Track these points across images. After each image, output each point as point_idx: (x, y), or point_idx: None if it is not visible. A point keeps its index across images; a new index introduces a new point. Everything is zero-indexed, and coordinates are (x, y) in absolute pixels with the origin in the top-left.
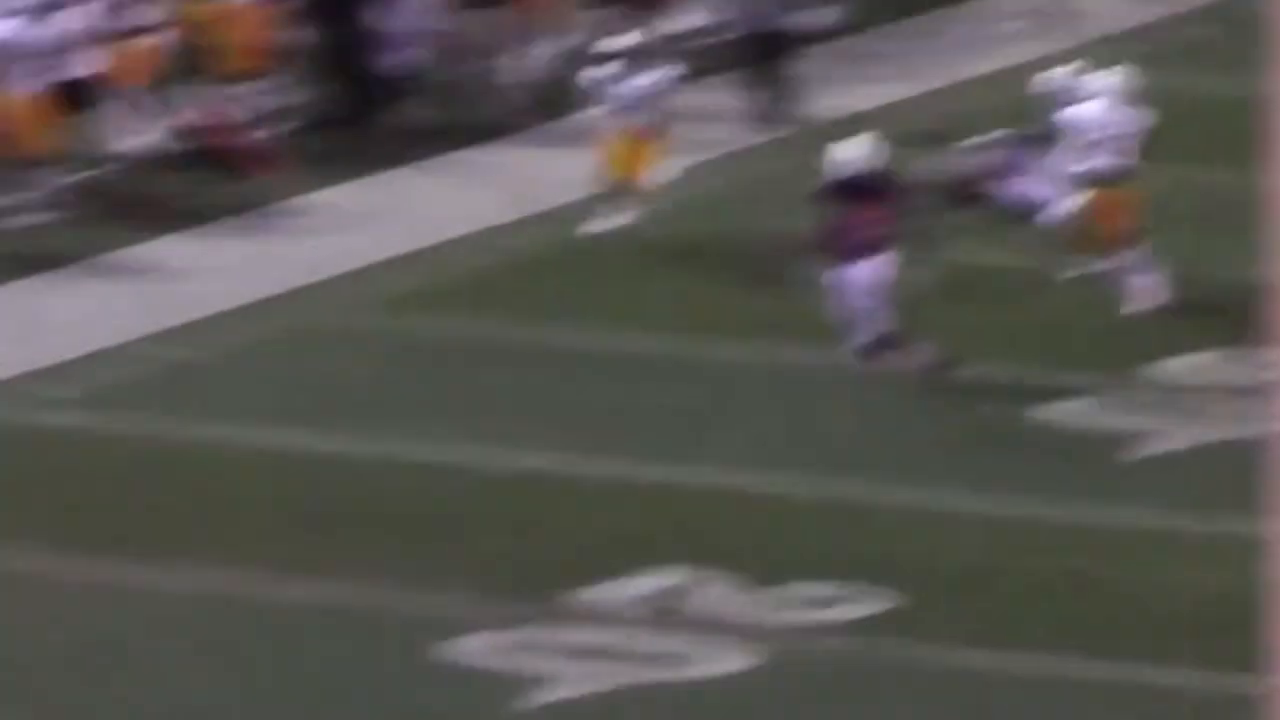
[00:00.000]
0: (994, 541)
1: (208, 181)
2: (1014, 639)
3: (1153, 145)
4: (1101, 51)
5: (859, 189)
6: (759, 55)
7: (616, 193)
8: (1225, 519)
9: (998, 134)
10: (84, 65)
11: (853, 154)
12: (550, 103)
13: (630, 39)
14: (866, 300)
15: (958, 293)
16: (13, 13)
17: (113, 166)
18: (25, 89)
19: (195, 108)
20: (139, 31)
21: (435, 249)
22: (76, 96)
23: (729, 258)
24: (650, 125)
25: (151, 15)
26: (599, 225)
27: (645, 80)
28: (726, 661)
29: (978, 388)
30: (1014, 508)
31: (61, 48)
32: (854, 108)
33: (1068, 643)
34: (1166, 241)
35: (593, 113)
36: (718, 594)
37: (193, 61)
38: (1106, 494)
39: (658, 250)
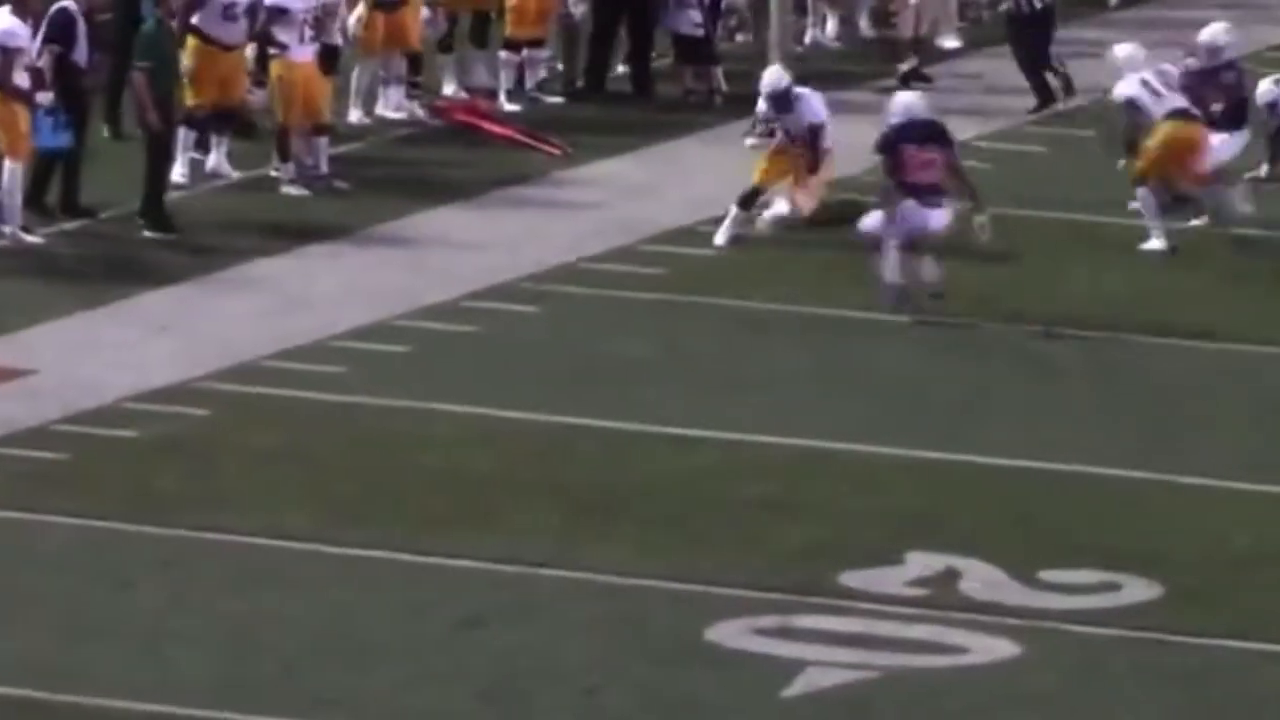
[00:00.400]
0: (1269, 528)
1: (472, 155)
2: None
3: None
4: None
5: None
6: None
7: None
8: None
9: None
10: (342, 33)
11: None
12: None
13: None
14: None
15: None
16: None
17: (376, 138)
18: (301, 56)
19: (460, 85)
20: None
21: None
22: (333, 64)
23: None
24: None
25: None
26: None
27: None
28: (995, 649)
29: (1253, 367)
30: None
31: (323, 15)
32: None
33: None
34: None
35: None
36: (987, 579)
37: (476, 28)
38: None
39: None
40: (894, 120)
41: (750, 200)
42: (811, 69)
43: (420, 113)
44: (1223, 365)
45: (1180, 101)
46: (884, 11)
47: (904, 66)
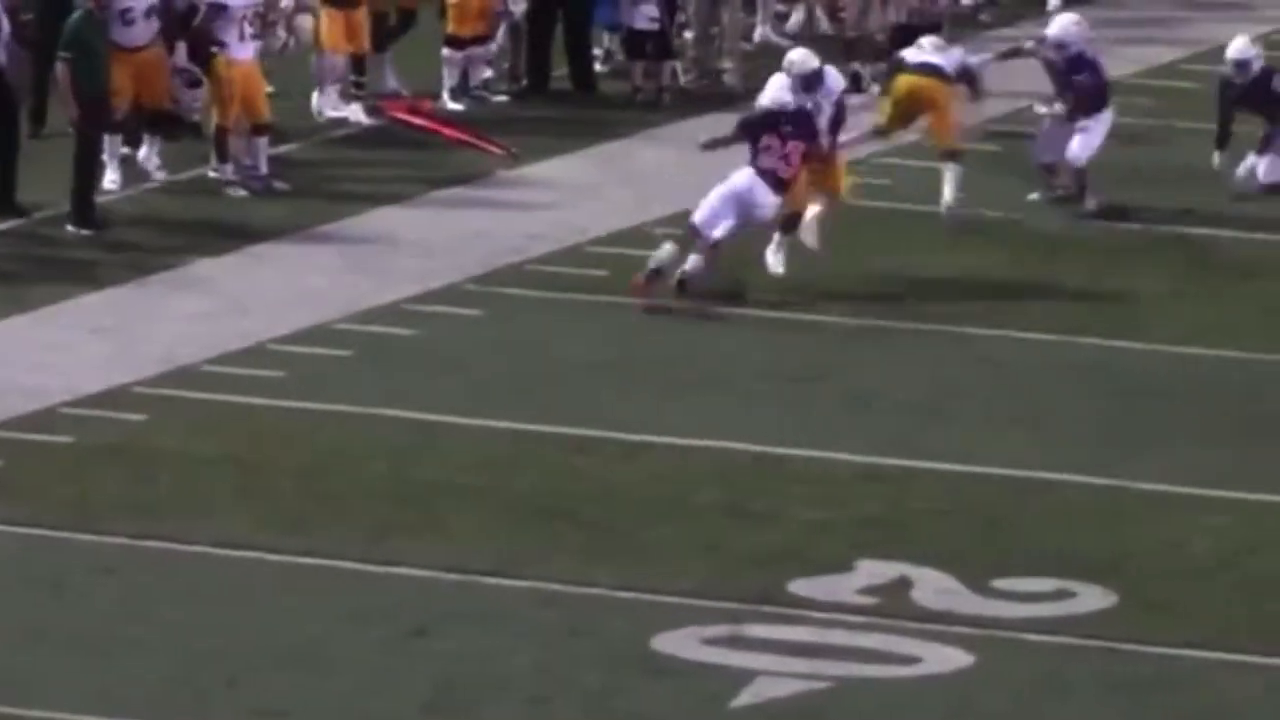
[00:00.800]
0: (1227, 536)
1: (414, 155)
2: (1245, 640)
3: None
4: None
5: None
6: None
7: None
8: None
9: None
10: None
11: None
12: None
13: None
14: None
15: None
16: None
17: (319, 138)
18: (241, 54)
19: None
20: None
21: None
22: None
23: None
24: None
25: None
26: None
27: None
28: (948, 659)
29: (1215, 372)
30: (1249, 498)
31: (264, 13)
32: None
33: None
34: None
35: None
36: (939, 588)
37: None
38: None
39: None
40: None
41: (793, 223)
42: (765, 66)
43: (362, 114)
44: (1179, 369)
45: (934, 59)
46: (834, 7)
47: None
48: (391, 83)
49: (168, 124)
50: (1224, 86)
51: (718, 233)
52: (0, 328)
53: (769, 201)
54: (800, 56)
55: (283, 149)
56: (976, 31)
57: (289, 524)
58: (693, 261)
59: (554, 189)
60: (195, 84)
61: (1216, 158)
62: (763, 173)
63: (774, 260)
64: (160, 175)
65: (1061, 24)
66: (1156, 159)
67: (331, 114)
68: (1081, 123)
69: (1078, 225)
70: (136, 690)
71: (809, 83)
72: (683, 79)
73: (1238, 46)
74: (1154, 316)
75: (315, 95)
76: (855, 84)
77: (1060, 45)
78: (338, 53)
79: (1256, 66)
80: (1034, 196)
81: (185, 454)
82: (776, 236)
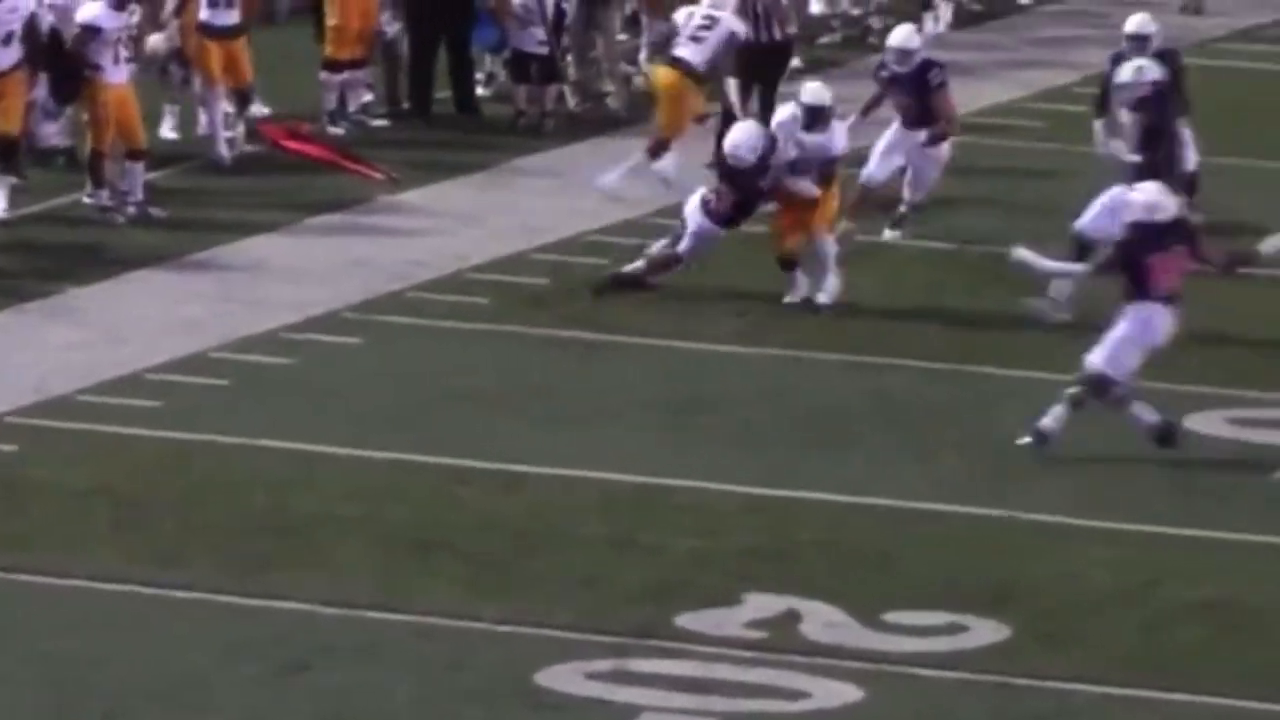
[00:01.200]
0: (1122, 568)
1: (293, 180)
2: (1142, 675)
3: None
4: None
5: None
6: None
7: None
8: None
9: None
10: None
11: None
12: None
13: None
14: None
15: None
16: None
17: (193, 163)
18: (115, 78)
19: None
20: (234, 32)
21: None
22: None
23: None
24: None
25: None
26: None
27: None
28: (837, 693)
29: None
30: (1147, 530)
31: (138, 36)
32: None
33: (1203, 678)
34: None
35: None
36: (829, 621)
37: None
38: (1250, 516)
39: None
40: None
41: (791, 264)
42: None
43: (225, 152)
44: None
45: (683, 52)
46: None
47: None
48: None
49: (8, 154)
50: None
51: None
52: None
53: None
54: (814, 91)
55: (159, 174)
56: (863, 54)
57: (166, 556)
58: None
59: (435, 215)
60: (54, 115)
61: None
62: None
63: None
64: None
65: (903, 33)
66: (1048, 185)
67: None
68: (924, 140)
69: (961, 251)
70: None
71: (818, 117)
72: (571, 103)
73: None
74: (1040, 346)
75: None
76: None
77: (904, 53)
78: (215, 85)
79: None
80: (889, 234)
81: (59, 485)
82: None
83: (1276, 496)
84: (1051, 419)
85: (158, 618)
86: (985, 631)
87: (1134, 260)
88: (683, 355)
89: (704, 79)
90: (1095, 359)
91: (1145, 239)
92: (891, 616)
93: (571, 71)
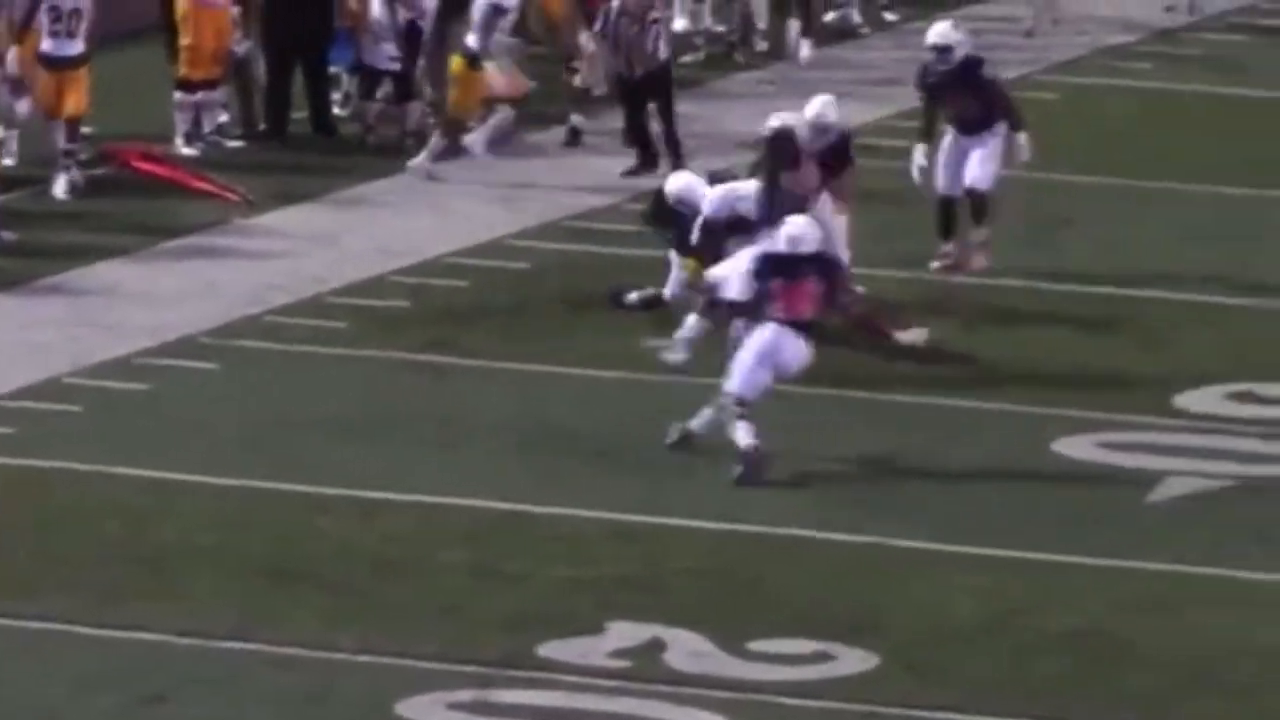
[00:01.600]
0: (991, 595)
1: (146, 203)
2: (1010, 702)
3: None
4: None
5: None
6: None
7: None
8: (1246, 565)
9: None
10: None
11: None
12: None
13: None
14: None
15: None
16: None
17: (43, 186)
18: None
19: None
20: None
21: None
22: None
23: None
24: None
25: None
26: None
27: None
28: None
29: (979, 422)
30: (1015, 556)
31: None
32: None
33: (1071, 705)
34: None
35: None
36: (693, 650)
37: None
38: (1119, 541)
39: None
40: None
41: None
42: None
43: (63, 190)
44: (942, 416)
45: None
46: (568, 58)
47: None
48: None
49: None
50: (923, 74)
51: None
52: None
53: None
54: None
55: (8, 197)
56: (725, 74)
57: (18, 586)
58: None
59: (291, 237)
60: None
61: (919, 154)
62: None
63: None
64: None
65: (941, 28)
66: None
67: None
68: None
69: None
70: None
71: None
72: (430, 120)
73: (939, 31)
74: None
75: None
76: (574, 137)
77: (823, 129)
78: (51, 117)
79: (960, 54)
80: None
81: None
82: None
83: (1145, 521)
84: (700, 422)
85: (8, 649)
86: (852, 660)
87: (762, 285)
88: (543, 380)
89: (480, 62)
90: (731, 384)
91: (776, 267)
92: (757, 645)
93: (427, 91)
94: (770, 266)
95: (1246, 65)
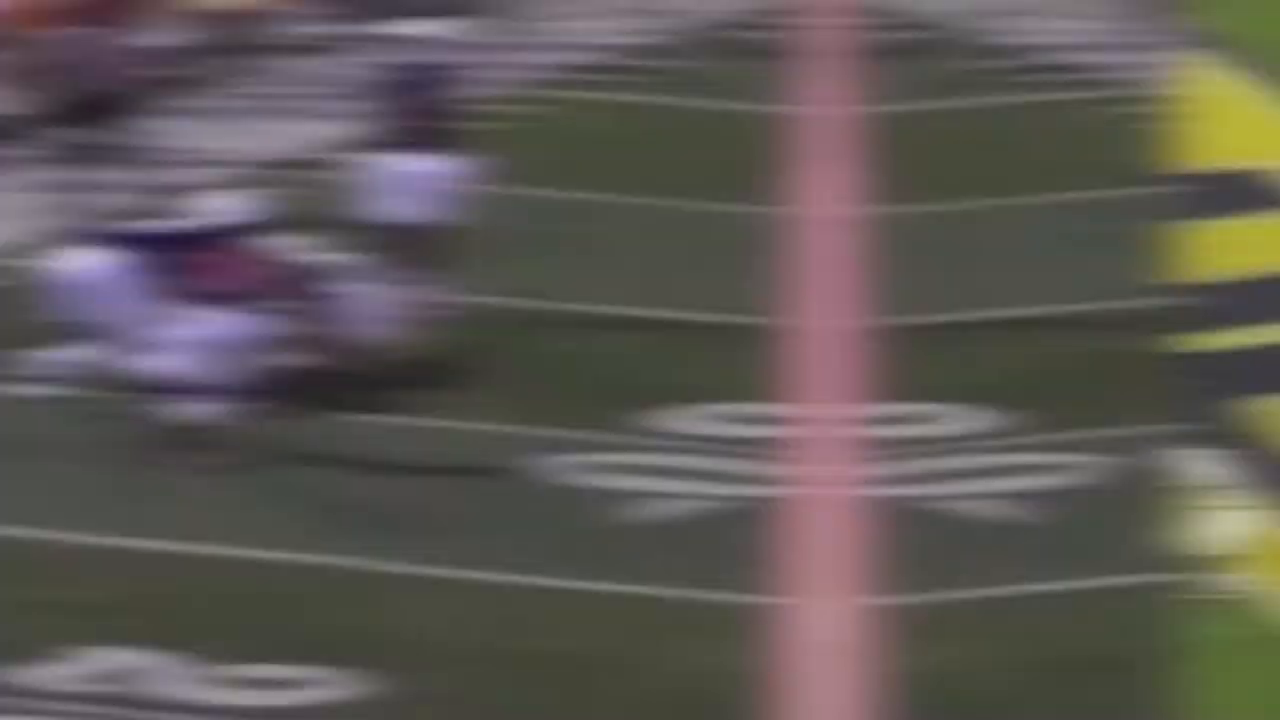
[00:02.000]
0: (475, 618)
1: None
2: None
3: None
4: None
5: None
6: None
7: None
8: (722, 588)
9: None
10: None
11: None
12: None
13: None
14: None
15: None
16: None
17: None
18: None
19: None
20: None
21: None
22: None
23: None
24: None
25: None
26: None
27: None
28: None
29: (458, 441)
30: (495, 579)
31: None
32: None
33: None
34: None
35: None
36: (171, 675)
37: None
38: (595, 561)
39: None
40: None
41: None
42: None
43: None
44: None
45: None
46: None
47: None
48: None
49: None
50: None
51: None
52: None
53: None
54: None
55: None
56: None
57: None
58: None
59: None
60: None
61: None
62: None
63: None
64: None
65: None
66: None
67: None
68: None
69: None
70: None
71: None
72: None
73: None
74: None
75: None
76: None
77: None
78: None
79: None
80: None
81: None
82: None
83: (625, 543)
84: None
85: None
86: (337, 685)
87: None
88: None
89: None
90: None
91: None
92: (241, 670)
93: None
94: None
95: (723, 82)
